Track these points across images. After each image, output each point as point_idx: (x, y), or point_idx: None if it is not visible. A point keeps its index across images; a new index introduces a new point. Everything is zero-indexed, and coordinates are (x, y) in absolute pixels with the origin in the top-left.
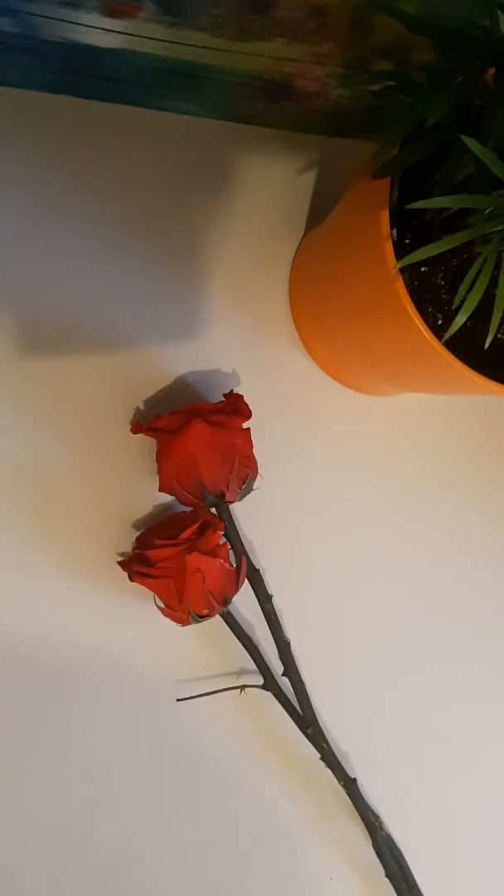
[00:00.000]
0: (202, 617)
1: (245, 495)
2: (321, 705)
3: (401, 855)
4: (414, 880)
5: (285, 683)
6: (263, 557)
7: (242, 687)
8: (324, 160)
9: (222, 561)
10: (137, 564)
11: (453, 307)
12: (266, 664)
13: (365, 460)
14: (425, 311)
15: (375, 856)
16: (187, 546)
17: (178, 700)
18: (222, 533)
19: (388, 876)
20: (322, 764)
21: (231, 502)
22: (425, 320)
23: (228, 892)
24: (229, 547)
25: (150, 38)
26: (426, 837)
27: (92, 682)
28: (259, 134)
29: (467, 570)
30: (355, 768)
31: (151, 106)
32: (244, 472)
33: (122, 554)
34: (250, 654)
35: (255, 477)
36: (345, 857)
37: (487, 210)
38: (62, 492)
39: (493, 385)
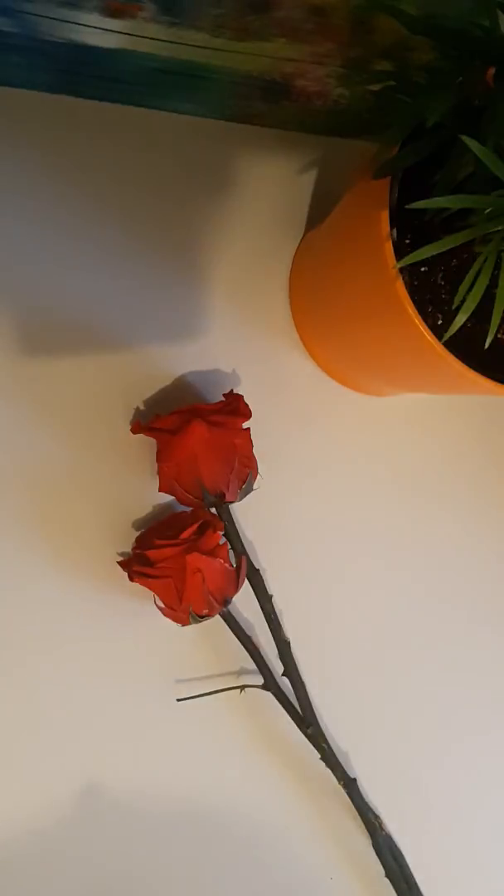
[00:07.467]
0: (202, 617)
1: (245, 495)
2: (321, 705)
3: (401, 855)
4: (414, 880)
5: (285, 683)
6: (263, 557)
7: (242, 687)
8: (324, 160)
9: (222, 561)
10: (137, 564)
11: (453, 307)
12: (266, 664)
13: (365, 460)
14: (425, 311)
15: (375, 856)
16: (187, 546)
17: (178, 700)
18: (222, 533)
19: (388, 876)
20: (322, 764)
21: (231, 502)
22: (425, 320)
23: (229, 892)
24: (229, 547)
25: (150, 38)
26: (426, 837)
27: (91, 682)
28: (259, 134)
29: (470, 569)
30: (355, 768)
31: (151, 106)
32: (244, 472)
33: (122, 554)
34: (250, 654)
35: (255, 477)
36: (345, 857)
37: (487, 210)
38: (62, 492)
39: (493, 385)
